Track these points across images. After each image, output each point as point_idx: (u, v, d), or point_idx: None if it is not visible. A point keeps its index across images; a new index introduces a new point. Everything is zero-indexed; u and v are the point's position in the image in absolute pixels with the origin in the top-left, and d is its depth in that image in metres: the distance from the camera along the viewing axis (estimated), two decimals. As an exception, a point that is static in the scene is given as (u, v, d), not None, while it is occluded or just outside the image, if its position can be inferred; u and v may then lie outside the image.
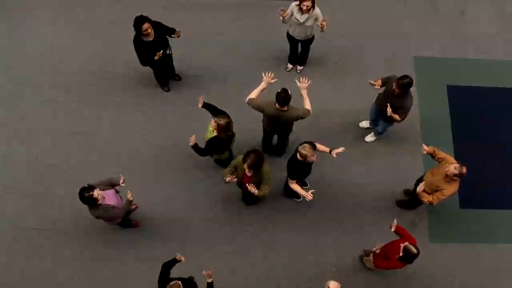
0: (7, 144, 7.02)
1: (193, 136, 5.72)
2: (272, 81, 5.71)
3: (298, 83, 5.75)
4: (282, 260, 6.53)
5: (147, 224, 6.65)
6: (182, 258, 5.23)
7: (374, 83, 6.16)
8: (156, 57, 6.19)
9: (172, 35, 6.36)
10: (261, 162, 5.18)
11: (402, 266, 5.14)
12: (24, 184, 6.79)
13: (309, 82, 5.73)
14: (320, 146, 5.69)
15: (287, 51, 7.49)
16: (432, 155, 5.79)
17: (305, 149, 5.24)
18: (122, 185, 5.43)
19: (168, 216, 6.71)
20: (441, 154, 5.71)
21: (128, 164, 6.94)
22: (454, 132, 7.34)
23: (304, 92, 5.74)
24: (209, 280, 5.13)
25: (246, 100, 5.70)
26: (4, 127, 7.13)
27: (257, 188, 5.55)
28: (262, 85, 5.71)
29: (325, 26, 6.36)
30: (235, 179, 5.50)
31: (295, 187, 5.73)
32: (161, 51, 6.20)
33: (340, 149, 5.64)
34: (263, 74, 5.72)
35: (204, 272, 5.14)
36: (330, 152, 5.65)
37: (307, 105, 5.72)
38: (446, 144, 7.23)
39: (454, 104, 7.53)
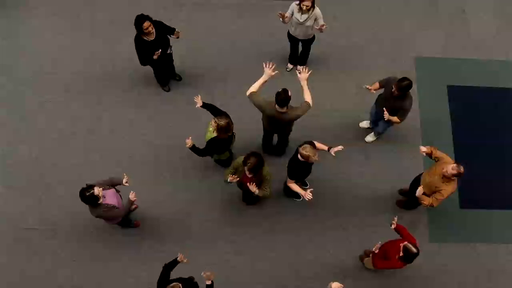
0: (7, 144, 7.02)
1: (190, 138, 5.67)
2: (273, 73, 5.58)
3: (299, 74, 5.65)
4: (282, 260, 6.54)
5: (147, 224, 6.65)
6: (184, 259, 5.21)
7: (370, 88, 6.15)
8: (155, 57, 6.18)
9: (172, 35, 6.35)
10: (261, 165, 5.16)
11: (402, 266, 5.14)
12: (24, 184, 6.79)
13: (309, 72, 5.66)
14: (318, 144, 5.69)
15: (287, 51, 7.49)
16: (429, 155, 5.79)
17: (306, 150, 5.23)
18: (126, 184, 5.43)
19: (168, 216, 6.71)
20: (438, 153, 5.70)
21: (128, 164, 6.94)
22: (454, 132, 7.34)
23: (304, 83, 5.62)
24: (208, 282, 5.12)
25: (247, 93, 5.64)
26: (4, 127, 7.13)
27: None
28: (263, 77, 5.59)
29: (324, 28, 6.37)
30: (237, 179, 5.49)
31: (294, 186, 5.72)
32: (160, 50, 6.18)
33: (339, 148, 5.63)
34: (264, 65, 5.60)
35: (202, 273, 5.12)
36: (328, 150, 5.65)
37: (307, 97, 5.62)
38: (446, 144, 7.23)
39: (454, 104, 7.53)
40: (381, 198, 6.90)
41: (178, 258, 5.22)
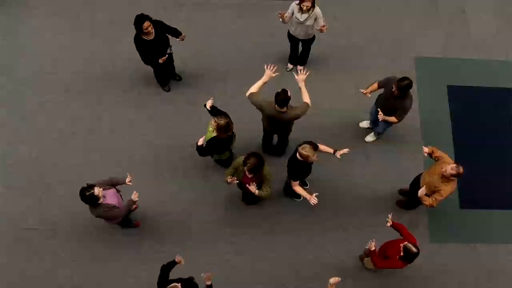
0: (7, 144, 7.02)
1: (203, 137, 5.71)
2: (274, 74, 5.64)
3: (296, 76, 5.69)
4: (282, 260, 6.54)
5: (147, 224, 6.65)
6: (182, 261, 5.21)
7: (365, 92, 6.14)
8: (160, 61, 6.21)
9: (177, 39, 6.36)
10: (261, 165, 5.16)
11: (403, 265, 5.14)
12: (24, 184, 6.79)
13: (307, 74, 5.69)
14: (323, 147, 5.68)
15: (287, 51, 7.49)
16: (430, 154, 5.79)
17: (306, 150, 5.22)
18: (129, 183, 5.44)
19: (168, 216, 6.71)
20: (438, 152, 5.71)
21: (128, 164, 6.94)
22: (454, 132, 7.34)
23: (302, 85, 5.65)
24: (208, 283, 5.12)
25: (247, 93, 5.66)
26: (4, 127, 7.13)
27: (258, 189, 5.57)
28: (264, 78, 5.62)
29: (324, 30, 6.38)
30: (236, 181, 5.48)
31: (299, 189, 5.69)
32: (166, 55, 6.20)
33: (345, 150, 5.63)
34: (265, 67, 5.66)
35: (202, 274, 5.12)
36: (334, 153, 5.64)
37: (306, 98, 5.64)
38: (446, 144, 7.23)
39: (454, 104, 7.53)
40: (381, 198, 6.90)
41: (176, 259, 5.21)
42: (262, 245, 6.62)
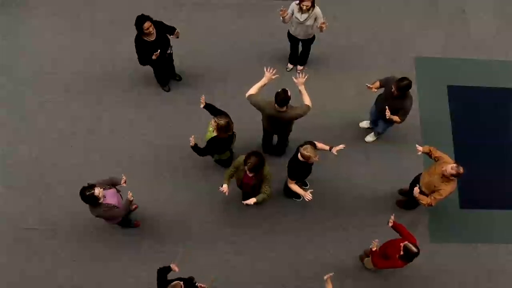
0: (7, 144, 7.02)
1: (193, 136, 5.72)
2: (274, 77, 5.68)
3: (295, 79, 5.73)
4: (282, 260, 6.54)
5: (147, 224, 6.65)
6: (176, 269, 5.21)
7: (371, 86, 6.16)
8: (153, 57, 6.18)
9: (171, 35, 6.35)
10: (262, 164, 5.17)
11: (402, 265, 5.15)
12: (24, 184, 6.79)
13: (305, 77, 5.72)
14: (320, 144, 5.70)
15: (287, 51, 7.49)
16: (428, 154, 5.79)
17: (307, 150, 5.23)
18: (124, 185, 5.45)
19: (168, 216, 6.71)
20: (437, 153, 5.70)
21: (128, 164, 6.94)
22: (454, 132, 7.34)
23: (302, 88, 5.69)
24: None
25: (246, 95, 5.68)
26: (4, 127, 7.13)
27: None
28: (263, 80, 5.66)
29: (324, 28, 6.38)
30: (227, 194, 5.56)
31: (294, 187, 5.73)
32: (158, 50, 6.18)
33: (341, 146, 5.65)
34: (265, 69, 5.70)
35: (198, 284, 5.11)
36: (330, 149, 5.66)
37: (306, 101, 5.68)
38: (446, 144, 7.23)
39: (454, 104, 7.53)
40: (381, 198, 6.90)
41: (171, 266, 5.22)
42: (262, 245, 6.61)
